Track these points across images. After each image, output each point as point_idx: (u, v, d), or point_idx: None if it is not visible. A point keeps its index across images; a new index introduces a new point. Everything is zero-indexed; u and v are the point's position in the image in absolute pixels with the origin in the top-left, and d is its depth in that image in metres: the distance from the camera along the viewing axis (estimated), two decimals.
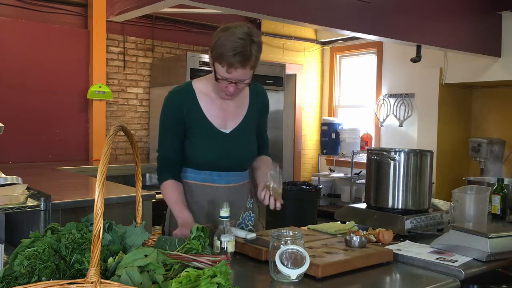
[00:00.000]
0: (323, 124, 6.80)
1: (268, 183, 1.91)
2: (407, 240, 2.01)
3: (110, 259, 1.26)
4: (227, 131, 2.03)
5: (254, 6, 3.42)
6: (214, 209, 2.00)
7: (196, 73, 4.94)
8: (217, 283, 1.12)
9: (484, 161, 5.35)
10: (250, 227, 2.14)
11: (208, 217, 2.03)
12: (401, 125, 6.32)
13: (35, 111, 4.71)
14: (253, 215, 2.17)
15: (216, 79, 1.89)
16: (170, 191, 2.01)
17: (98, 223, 1.04)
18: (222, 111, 2.03)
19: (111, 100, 5.12)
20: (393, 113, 6.40)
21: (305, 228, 2.17)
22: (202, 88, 2.03)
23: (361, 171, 6.40)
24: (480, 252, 1.77)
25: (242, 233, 1.88)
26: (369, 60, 6.84)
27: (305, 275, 1.53)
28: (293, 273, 1.48)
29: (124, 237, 1.43)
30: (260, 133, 2.17)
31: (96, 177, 1.08)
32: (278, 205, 1.90)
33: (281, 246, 1.51)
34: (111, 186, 3.10)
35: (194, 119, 2.00)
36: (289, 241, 1.53)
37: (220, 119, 2.03)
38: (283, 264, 1.49)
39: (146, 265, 1.19)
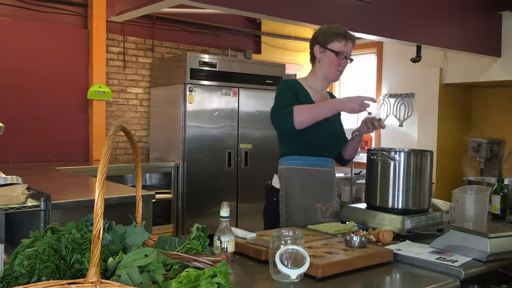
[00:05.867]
0: None
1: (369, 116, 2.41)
2: (407, 240, 2.01)
3: (110, 259, 1.26)
4: None
5: (254, 6, 3.42)
6: (321, 190, 2.41)
7: (196, 73, 4.93)
8: (217, 283, 1.12)
9: (484, 161, 5.35)
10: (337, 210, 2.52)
11: (317, 198, 2.39)
12: (401, 125, 6.32)
13: (35, 111, 4.71)
14: (339, 201, 2.58)
15: (336, 54, 2.34)
16: (305, 106, 2.28)
17: (98, 223, 1.04)
18: (321, 100, 2.44)
19: (111, 100, 5.12)
20: (393, 113, 6.40)
21: (305, 228, 2.17)
22: (305, 82, 2.45)
23: (361, 171, 6.40)
24: (480, 252, 1.77)
25: (242, 233, 1.88)
26: (369, 60, 6.84)
27: (305, 275, 1.53)
28: (293, 273, 1.48)
29: (124, 237, 1.43)
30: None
31: (96, 177, 1.08)
32: (383, 124, 2.34)
33: (281, 246, 1.51)
34: (111, 186, 3.11)
35: (304, 103, 2.33)
36: (289, 241, 1.53)
37: None
38: (283, 264, 1.49)
39: (146, 265, 1.19)
